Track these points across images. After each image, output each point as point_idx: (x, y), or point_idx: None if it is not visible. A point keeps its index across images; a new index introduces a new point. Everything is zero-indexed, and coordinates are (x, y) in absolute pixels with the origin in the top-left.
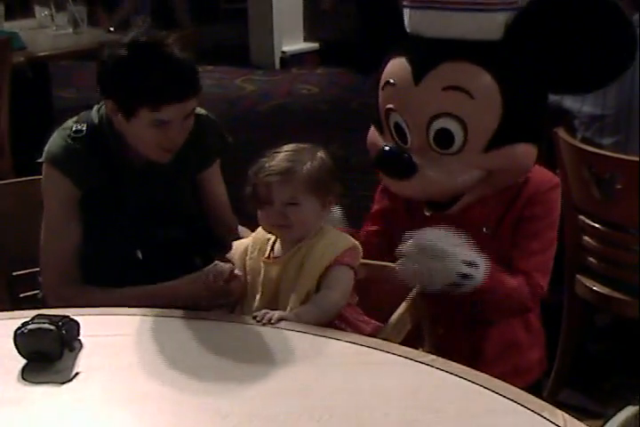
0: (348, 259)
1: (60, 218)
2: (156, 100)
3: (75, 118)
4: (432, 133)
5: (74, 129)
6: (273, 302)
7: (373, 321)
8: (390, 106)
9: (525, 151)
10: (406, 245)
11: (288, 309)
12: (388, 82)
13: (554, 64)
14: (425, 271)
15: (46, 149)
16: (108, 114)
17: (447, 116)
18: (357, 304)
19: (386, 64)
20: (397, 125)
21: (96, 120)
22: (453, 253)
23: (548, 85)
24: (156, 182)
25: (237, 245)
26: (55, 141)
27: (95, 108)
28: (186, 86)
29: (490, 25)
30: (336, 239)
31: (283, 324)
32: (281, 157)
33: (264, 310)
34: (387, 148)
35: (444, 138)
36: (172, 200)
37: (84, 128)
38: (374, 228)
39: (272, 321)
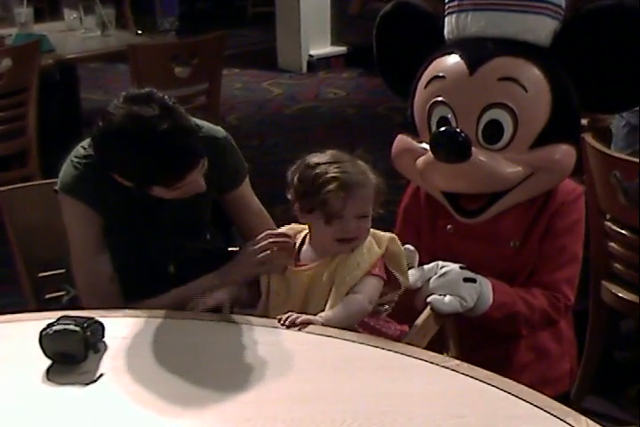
0: (377, 269)
1: (88, 244)
2: (169, 182)
3: (85, 143)
4: (482, 125)
5: (84, 154)
6: (301, 307)
7: (399, 326)
8: (439, 98)
9: (568, 152)
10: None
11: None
12: (436, 76)
13: (589, 79)
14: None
15: (60, 178)
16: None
17: (500, 107)
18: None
19: (426, 66)
20: (442, 120)
21: None
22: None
23: (583, 98)
24: (174, 205)
25: None
26: (68, 171)
27: None
28: (193, 158)
29: (538, 27)
30: (370, 247)
31: (309, 327)
32: (346, 168)
33: (289, 313)
34: (443, 128)
35: (494, 131)
36: (195, 217)
37: None
38: (403, 227)
39: (296, 323)
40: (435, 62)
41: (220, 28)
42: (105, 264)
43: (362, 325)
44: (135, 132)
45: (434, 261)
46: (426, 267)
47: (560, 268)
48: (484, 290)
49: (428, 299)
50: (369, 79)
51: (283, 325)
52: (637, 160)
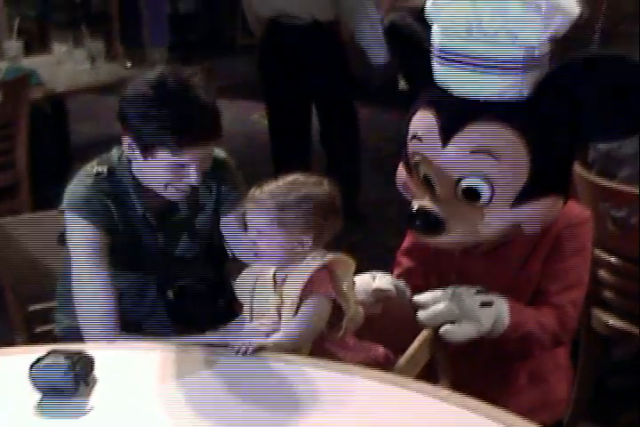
0: (323, 288)
1: (93, 265)
2: (177, 143)
3: (94, 162)
4: (460, 190)
5: (95, 172)
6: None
7: (380, 348)
8: (418, 159)
9: (552, 203)
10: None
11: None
12: (415, 135)
13: (585, 121)
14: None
15: (67, 195)
16: (125, 152)
17: (475, 177)
18: (372, 336)
19: (414, 111)
20: (425, 178)
21: (116, 162)
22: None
23: (578, 138)
24: (175, 227)
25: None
26: (76, 188)
27: (115, 149)
28: (208, 130)
29: (518, 85)
30: (308, 262)
31: (299, 357)
32: (266, 187)
33: (246, 342)
34: (415, 208)
35: (472, 194)
36: (194, 240)
37: (105, 170)
38: (408, 265)
39: (248, 352)
40: (417, 115)
41: (210, 58)
42: (106, 279)
43: (340, 345)
44: (173, 84)
45: (440, 280)
46: (439, 292)
47: (567, 289)
48: (501, 313)
49: (442, 330)
50: (361, 109)
51: (237, 353)
52: (625, 188)
